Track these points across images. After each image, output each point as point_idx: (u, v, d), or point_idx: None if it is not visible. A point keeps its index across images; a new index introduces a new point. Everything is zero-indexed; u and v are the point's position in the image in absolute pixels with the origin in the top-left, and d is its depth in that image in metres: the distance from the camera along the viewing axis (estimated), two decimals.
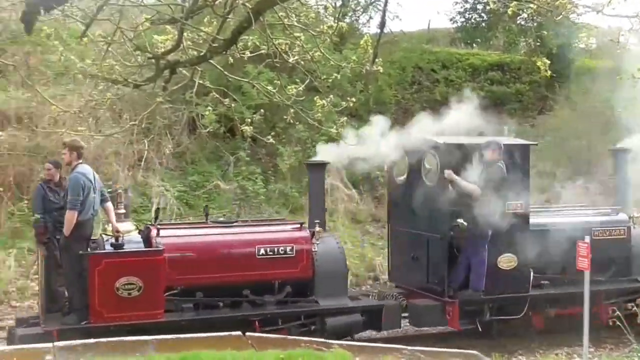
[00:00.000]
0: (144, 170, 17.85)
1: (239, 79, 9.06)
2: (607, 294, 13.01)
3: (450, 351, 10.04)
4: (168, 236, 10.76)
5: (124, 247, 10.32)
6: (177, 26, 6.80)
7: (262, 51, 7.68)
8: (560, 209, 14.15)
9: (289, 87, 8.32)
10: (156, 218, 11.49)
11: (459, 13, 30.65)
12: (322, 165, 11.95)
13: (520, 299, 12.24)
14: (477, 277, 11.80)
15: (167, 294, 10.48)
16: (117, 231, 10.34)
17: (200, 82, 8.25)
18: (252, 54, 7.75)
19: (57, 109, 7.82)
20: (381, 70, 7.85)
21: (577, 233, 11.76)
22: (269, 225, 12.00)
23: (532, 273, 12.27)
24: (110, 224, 10.67)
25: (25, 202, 15.42)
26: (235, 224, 11.66)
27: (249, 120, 9.55)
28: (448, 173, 11.57)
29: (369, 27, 26.70)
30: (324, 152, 12.00)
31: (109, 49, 7.04)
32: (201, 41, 7.39)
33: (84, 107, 10.68)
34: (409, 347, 9.70)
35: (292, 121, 9.66)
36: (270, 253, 11.02)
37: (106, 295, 10.03)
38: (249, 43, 7.73)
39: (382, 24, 9.06)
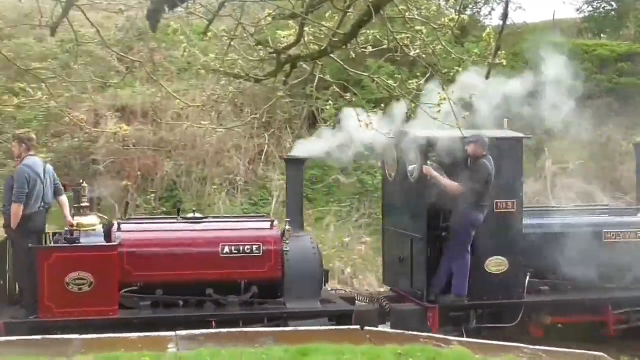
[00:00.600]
0: (264, 164, 18.00)
1: (360, 73, 8.91)
2: (617, 302, 11.79)
3: (574, 352, 9.76)
4: (129, 231, 10.56)
5: (80, 241, 10.21)
6: (298, 21, 6.85)
7: (384, 46, 7.57)
8: (571, 209, 13.28)
9: (409, 81, 8.09)
10: (125, 212, 11.45)
11: (587, 2, 29.10)
12: (300, 161, 11.42)
13: (513, 305, 11.31)
14: (459, 281, 11.03)
15: (124, 290, 10.30)
16: (71, 225, 10.30)
17: (321, 76, 8.27)
18: (373, 49, 7.67)
19: (181, 103, 7.97)
20: (504, 64, 7.46)
21: (584, 236, 11.25)
22: (238, 222, 11.62)
23: (528, 278, 11.39)
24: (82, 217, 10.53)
25: (152, 194, 16.03)
26: (204, 220, 11.27)
27: (371, 114, 9.48)
28: (426, 169, 10.96)
29: (491, 19, 26.06)
30: (303, 147, 11.49)
31: (232, 44, 7.20)
32: (322, 36, 7.37)
33: (207, 102, 10.85)
34: (530, 347, 9.67)
35: (412, 115, 9.51)
36: (235, 252, 10.57)
37: (56, 290, 9.87)
38: (370, 37, 7.68)
39: (505, 16, 8.74)
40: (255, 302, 10.71)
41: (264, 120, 15.05)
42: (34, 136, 10.47)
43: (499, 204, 11.03)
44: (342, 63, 8.02)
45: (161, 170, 15.46)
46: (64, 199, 10.66)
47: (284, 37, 7.40)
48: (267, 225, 11.02)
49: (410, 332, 9.98)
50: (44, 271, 9.83)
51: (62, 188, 10.69)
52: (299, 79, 9.01)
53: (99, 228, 10.58)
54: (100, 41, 7.01)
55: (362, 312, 10.95)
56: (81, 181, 10.91)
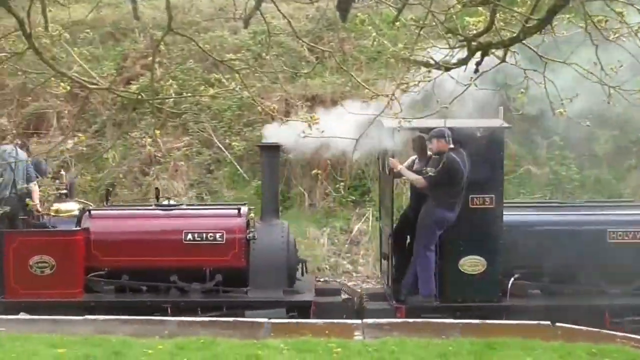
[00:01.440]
0: None
1: (553, 60, 8.71)
2: (616, 310, 10.56)
3: None
4: (98, 217, 10.98)
5: (55, 226, 10.78)
6: (489, 7, 6.71)
7: (579, 30, 7.24)
8: (572, 205, 12.03)
9: (610, 65, 7.65)
10: (107, 198, 11.79)
11: None
12: (275, 148, 11.18)
13: (490, 309, 10.46)
14: (423, 281, 10.46)
15: (91, 274, 10.69)
16: (37, 210, 10.90)
17: (512, 64, 7.91)
18: (567, 34, 7.43)
19: (370, 92, 8.37)
20: None
21: (584, 235, 10.49)
22: (207, 210, 11.74)
23: (513, 279, 10.55)
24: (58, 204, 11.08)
25: (341, 183, 16.28)
26: (176, 207, 11.41)
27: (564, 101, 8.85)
28: (392, 162, 10.48)
29: None
30: (276, 133, 10.98)
31: (421, 32, 7.13)
32: (514, 22, 7.14)
33: (396, 91, 11.21)
34: None
35: (611, 103, 9.24)
36: (198, 239, 10.62)
37: (21, 272, 10.41)
38: (565, 22, 7.42)
39: None
40: (220, 290, 10.67)
41: (454, 110, 14.77)
42: (6, 124, 10.95)
43: (474, 199, 10.26)
44: (535, 50, 7.51)
45: (350, 159, 15.64)
46: (32, 186, 11.06)
47: (473, 24, 7.20)
48: (234, 213, 10.95)
49: (606, 331, 9.63)
50: (9, 254, 10.47)
51: (33, 176, 11.28)
52: (491, 68, 8.72)
53: (77, 214, 11.01)
54: (291, 32, 7.18)
55: (325, 305, 10.71)
56: (60, 169, 11.28)
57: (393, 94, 8.57)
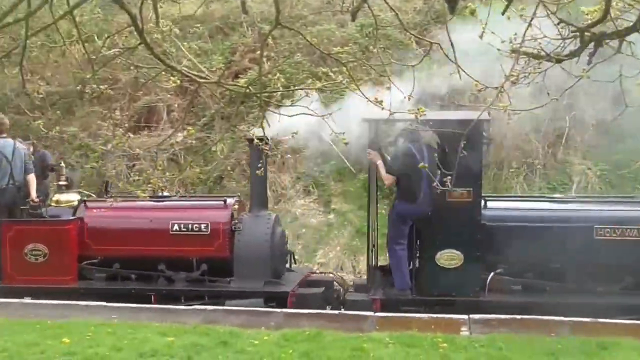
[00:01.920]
0: (565, 148, 17.54)
1: None
2: (599, 308, 9.97)
3: None
4: (92, 208, 11.54)
5: (53, 216, 11.38)
6: None
7: None
8: (561, 200, 11.74)
9: None
10: (106, 190, 12.31)
11: None
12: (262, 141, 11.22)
13: (467, 303, 10.20)
14: (396, 274, 10.48)
15: (85, 262, 11.27)
16: (33, 201, 11.36)
17: (629, 54, 7.62)
18: None
19: (478, 84, 8.40)
20: None
21: (569, 231, 10.11)
22: (195, 201, 12.29)
23: (492, 274, 10.37)
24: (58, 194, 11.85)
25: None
26: (166, 199, 11.88)
27: None
28: (371, 154, 10.53)
29: None
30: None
31: (531, 23, 6.83)
32: (630, 10, 6.92)
33: (505, 83, 11.17)
34: None
35: None
36: (184, 229, 10.97)
37: (17, 259, 11.04)
38: None
39: None
40: (206, 279, 10.99)
41: (564, 102, 14.42)
42: (6, 121, 11.66)
43: (451, 192, 9.88)
44: None
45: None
46: (29, 177, 11.61)
47: (587, 14, 6.95)
48: (220, 205, 11.32)
49: None
50: (6, 242, 11.06)
51: (32, 168, 11.75)
52: (604, 59, 8.26)
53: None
54: (399, 24, 7.21)
55: (305, 296, 10.80)
56: (60, 162, 11.73)
57: (502, 86, 8.31)
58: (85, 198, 12.09)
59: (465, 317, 9.50)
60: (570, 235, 10.04)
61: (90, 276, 11.28)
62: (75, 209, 11.43)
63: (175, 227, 11.01)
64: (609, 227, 10.19)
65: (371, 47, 16.00)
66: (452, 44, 5.62)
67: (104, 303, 10.26)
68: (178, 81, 5.88)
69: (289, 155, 16.91)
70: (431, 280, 10.44)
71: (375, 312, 10.10)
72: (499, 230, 10.33)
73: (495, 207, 10.73)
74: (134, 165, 16.59)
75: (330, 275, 12.73)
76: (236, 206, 11.25)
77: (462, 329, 9.16)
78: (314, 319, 9.47)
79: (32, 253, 11.00)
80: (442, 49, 5.95)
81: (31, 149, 12.51)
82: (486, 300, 10.31)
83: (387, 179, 10.40)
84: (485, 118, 9.99)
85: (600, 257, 10.08)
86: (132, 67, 7.76)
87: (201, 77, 5.62)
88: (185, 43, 6.19)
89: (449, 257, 10.30)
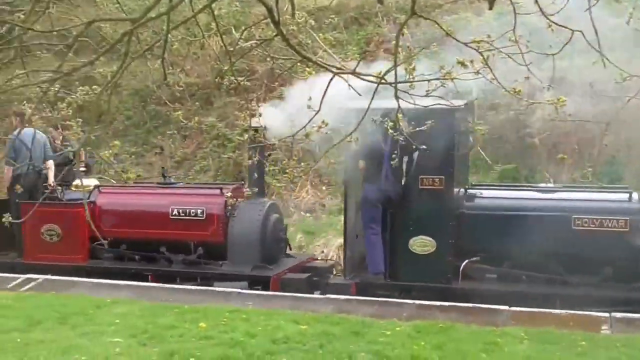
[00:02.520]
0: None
1: None
2: (569, 300, 9.73)
3: None
4: (105, 193, 12.18)
5: (61, 199, 12.08)
6: None
7: None
8: (540, 189, 11.26)
9: None
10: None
11: None
12: (259, 131, 11.33)
13: (439, 290, 10.24)
14: (369, 259, 10.65)
15: (96, 243, 11.74)
16: (50, 185, 11.99)
17: None
18: None
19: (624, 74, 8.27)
20: None
21: (547, 220, 9.95)
22: (195, 189, 12.77)
23: (466, 262, 10.28)
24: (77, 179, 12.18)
25: (589, 169, 15.90)
26: (170, 185, 12.39)
27: None
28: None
29: None
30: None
31: None
32: None
33: None
34: None
35: None
36: (183, 215, 11.48)
37: (35, 238, 11.81)
38: None
39: None
40: (202, 262, 11.49)
41: None
42: (28, 112, 11.80)
43: (424, 180, 10.21)
44: None
45: (600, 144, 15.23)
46: (48, 163, 12.34)
47: None
48: (217, 192, 11.80)
49: None
50: (25, 223, 11.25)
51: (51, 154, 12.45)
52: None
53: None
54: (537, 11, 7.17)
55: (289, 280, 11.13)
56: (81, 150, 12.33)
57: None
58: (102, 183, 12.92)
59: (606, 314, 9.07)
60: (548, 225, 9.88)
61: (100, 256, 11.99)
62: (90, 193, 11.95)
63: (175, 212, 11.55)
64: (587, 218, 9.96)
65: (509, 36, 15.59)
66: (596, 32, 5.38)
67: (238, 290, 10.49)
68: (313, 72, 5.92)
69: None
70: (404, 266, 10.53)
71: (352, 295, 10.36)
72: (477, 219, 10.41)
73: (476, 195, 10.74)
74: (269, 155, 16.85)
75: (331, 261, 13.20)
76: (229, 194, 11.56)
77: (603, 327, 8.77)
78: (446, 311, 9.30)
79: (48, 233, 11.76)
80: (584, 37, 5.70)
81: (61, 137, 13.23)
82: (459, 287, 10.31)
83: (359, 163, 10.52)
84: (456, 107, 9.65)
85: (578, 248, 9.89)
86: (268, 59, 7.84)
87: (337, 68, 5.62)
88: (320, 34, 6.18)
89: (421, 244, 10.38)
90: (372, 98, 5.76)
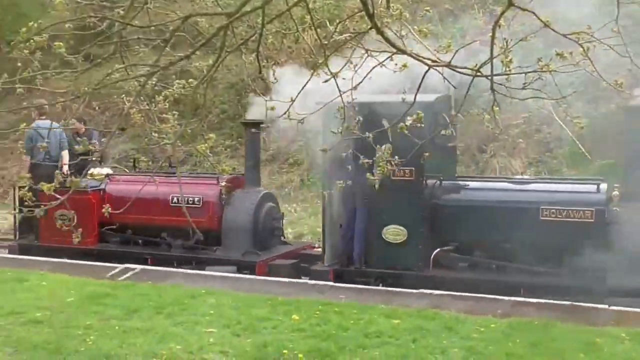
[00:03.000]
0: None
1: None
2: (534, 289, 9.95)
3: None
4: (115, 182, 12.98)
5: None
6: None
7: None
8: (510, 180, 11.86)
9: None
10: (134, 166, 13.93)
11: None
12: (256, 124, 12.47)
13: (412, 277, 10.56)
14: (353, 247, 11.04)
15: (105, 227, 12.75)
16: (64, 174, 12.36)
17: None
18: None
19: None
20: None
21: (515, 211, 10.27)
22: (195, 178, 13.49)
23: (435, 251, 10.57)
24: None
25: None
26: (173, 175, 12.60)
27: None
28: None
29: None
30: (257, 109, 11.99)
31: None
32: None
33: None
34: None
35: None
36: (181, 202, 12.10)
37: (49, 222, 12.27)
38: None
39: None
40: (200, 247, 12.24)
41: None
42: (45, 104, 12.93)
43: (395, 171, 9.55)
44: None
45: None
46: (63, 153, 13.56)
47: None
48: (213, 181, 12.46)
49: None
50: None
51: (66, 145, 13.63)
52: None
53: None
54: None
55: (275, 266, 11.64)
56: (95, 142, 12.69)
57: None
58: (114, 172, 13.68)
59: None
60: (517, 216, 10.21)
61: (108, 240, 12.87)
62: (101, 181, 12.76)
63: (175, 199, 12.23)
64: (554, 209, 10.14)
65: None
66: None
67: (330, 283, 10.56)
68: (407, 65, 5.86)
69: (520, 140, 16.49)
70: (378, 254, 10.94)
71: (330, 281, 10.71)
72: (449, 209, 10.75)
73: (449, 186, 11.03)
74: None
75: None
76: (224, 182, 12.31)
77: None
78: (543, 309, 9.13)
79: (61, 218, 12.18)
80: None
81: (83, 129, 14.17)
82: (429, 275, 10.61)
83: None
84: (427, 101, 9.62)
85: (545, 238, 10.08)
86: (363, 52, 7.81)
87: (432, 60, 5.55)
88: (415, 26, 6.12)
89: (394, 233, 10.77)
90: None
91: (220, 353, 7.63)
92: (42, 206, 12.09)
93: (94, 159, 13.23)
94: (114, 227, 12.81)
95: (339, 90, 6.08)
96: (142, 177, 13.09)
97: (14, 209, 13.76)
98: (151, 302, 9.35)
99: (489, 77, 5.48)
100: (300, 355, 7.48)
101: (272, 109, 6.32)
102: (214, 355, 7.59)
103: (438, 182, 10.98)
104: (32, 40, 5.42)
